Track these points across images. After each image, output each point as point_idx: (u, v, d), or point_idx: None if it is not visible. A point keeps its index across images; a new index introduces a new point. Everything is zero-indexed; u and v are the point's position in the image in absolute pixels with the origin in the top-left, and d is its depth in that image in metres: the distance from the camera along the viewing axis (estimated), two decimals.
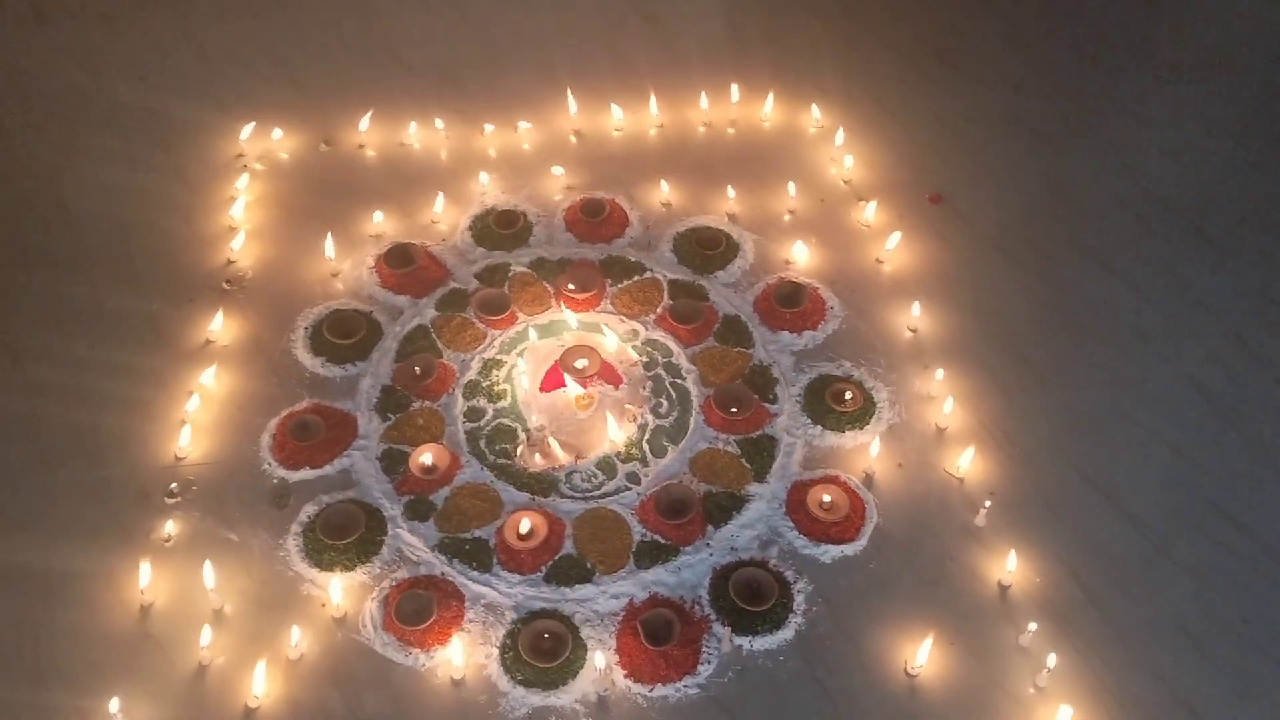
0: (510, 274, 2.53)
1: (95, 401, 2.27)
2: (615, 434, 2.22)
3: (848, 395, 2.28)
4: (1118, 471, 2.23)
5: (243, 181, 2.71)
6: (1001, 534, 2.11)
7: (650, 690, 1.89)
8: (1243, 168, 2.91)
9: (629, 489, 2.16)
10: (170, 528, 2.07)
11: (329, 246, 2.54)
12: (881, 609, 2.01)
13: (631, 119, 2.91)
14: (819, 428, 2.27)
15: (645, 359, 2.38)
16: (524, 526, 2.06)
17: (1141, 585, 2.07)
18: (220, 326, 2.39)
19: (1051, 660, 1.91)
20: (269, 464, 2.19)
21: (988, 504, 2.12)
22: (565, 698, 1.88)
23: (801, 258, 2.58)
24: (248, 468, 2.18)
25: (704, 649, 1.94)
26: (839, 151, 2.83)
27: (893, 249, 2.59)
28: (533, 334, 2.40)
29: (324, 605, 1.99)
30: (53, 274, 2.51)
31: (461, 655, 1.91)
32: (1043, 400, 2.35)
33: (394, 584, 2.01)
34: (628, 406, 2.29)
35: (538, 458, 2.20)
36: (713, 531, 2.10)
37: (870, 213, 2.67)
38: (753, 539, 2.10)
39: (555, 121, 2.90)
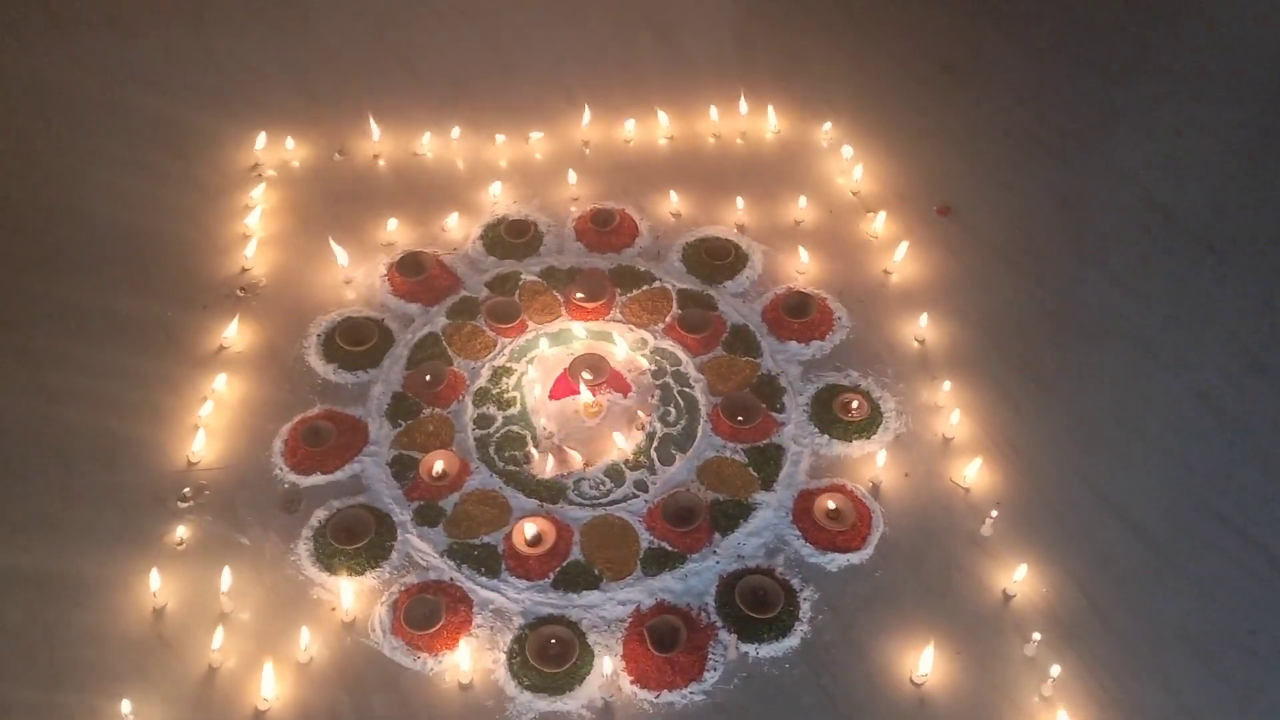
0: (520, 283, 2.55)
1: (110, 406, 2.29)
2: (622, 442, 2.24)
3: (855, 405, 2.30)
4: (1124, 483, 2.24)
5: (257, 190, 2.74)
6: (1008, 544, 2.12)
7: (656, 696, 1.90)
8: (1250, 181, 2.92)
9: (636, 496, 2.18)
10: (183, 531, 2.09)
11: (339, 254, 2.56)
12: (887, 618, 2.02)
13: (642, 130, 2.93)
14: (826, 437, 2.28)
15: (654, 367, 2.40)
16: (529, 531, 2.08)
17: (1147, 596, 2.07)
18: (234, 333, 2.42)
19: (1055, 670, 1.92)
20: (281, 469, 2.21)
21: (994, 514, 2.13)
22: (572, 703, 1.89)
23: (807, 264, 2.59)
24: (260, 473, 2.20)
25: (710, 656, 1.95)
26: (848, 163, 2.85)
27: (900, 260, 2.61)
28: (542, 342, 2.42)
29: (334, 609, 2.01)
30: (68, 280, 2.53)
31: (469, 660, 1.92)
32: (1049, 411, 2.36)
33: (403, 589, 2.03)
34: (637, 414, 2.30)
35: (550, 463, 2.21)
36: (719, 539, 2.12)
37: (879, 224, 2.69)
38: (759, 547, 2.11)
39: (566, 132, 2.93)
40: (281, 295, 2.52)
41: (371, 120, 2.88)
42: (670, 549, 2.09)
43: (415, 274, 2.54)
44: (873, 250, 2.66)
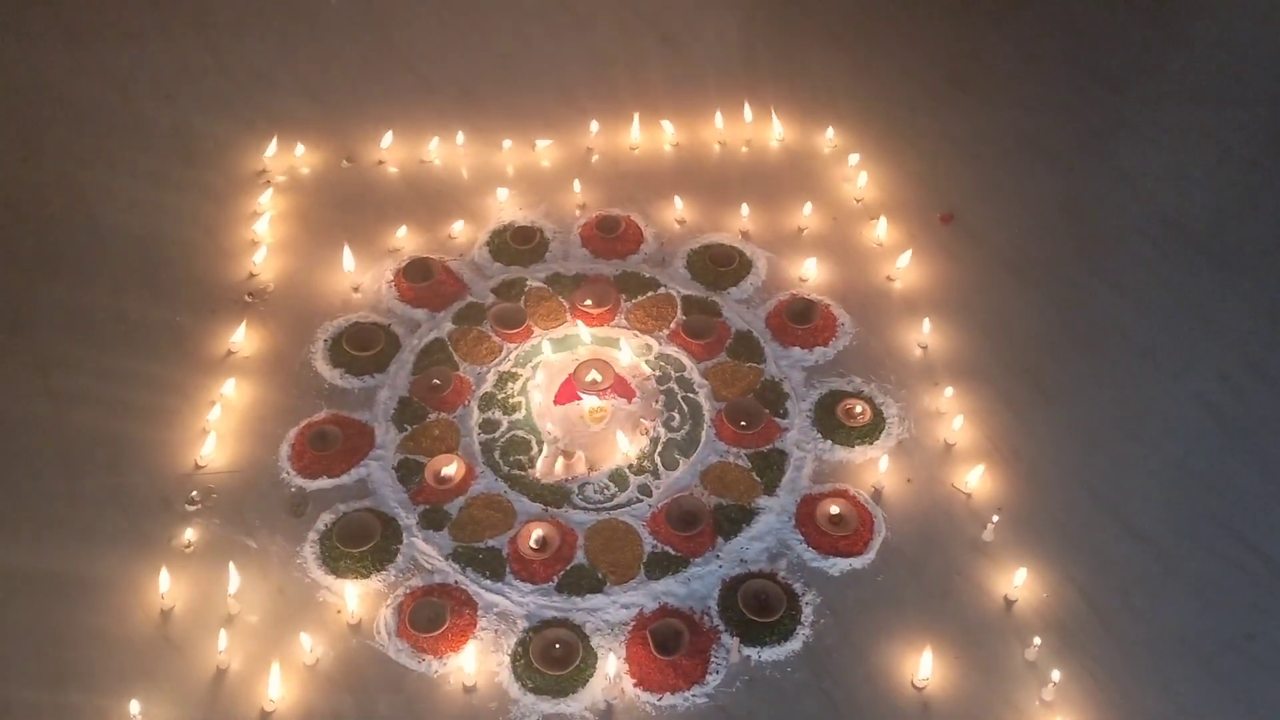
0: (526, 289, 2.57)
1: (119, 410, 2.31)
2: (626, 447, 2.26)
3: (858, 410, 2.31)
4: (1125, 488, 2.25)
5: (266, 197, 2.77)
6: (1009, 549, 2.13)
7: (659, 699, 1.92)
8: (1254, 190, 2.93)
9: (640, 501, 2.19)
10: (190, 534, 2.11)
11: (347, 260, 2.58)
12: (889, 622, 2.03)
13: (648, 137, 2.95)
14: (829, 442, 2.29)
15: (658, 373, 2.41)
16: (535, 536, 2.09)
17: (1148, 601, 2.08)
18: (242, 338, 2.44)
19: (1056, 675, 1.93)
20: (288, 473, 2.23)
21: (995, 519, 2.14)
22: (575, 705, 1.91)
23: (811, 270, 2.61)
24: (267, 476, 2.22)
25: (712, 659, 1.97)
26: (852, 170, 2.87)
27: (904, 267, 2.62)
28: (548, 348, 2.44)
29: (339, 612, 2.02)
30: (79, 285, 2.56)
31: (474, 662, 1.94)
32: (1051, 418, 2.37)
33: (408, 592, 2.04)
34: (641, 420, 2.32)
35: (558, 467, 2.23)
36: (722, 543, 2.13)
37: (882, 231, 2.71)
38: (762, 551, 2.12)
39: (573, 139, 2.95)
40: (289, 301, 2.55)
41: (390, 134, 2.90)
42: (673, 553, 2.11)
43: (422, 280, 2.56)
44: (876, 257, 2.68)
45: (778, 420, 2.33)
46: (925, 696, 1.94)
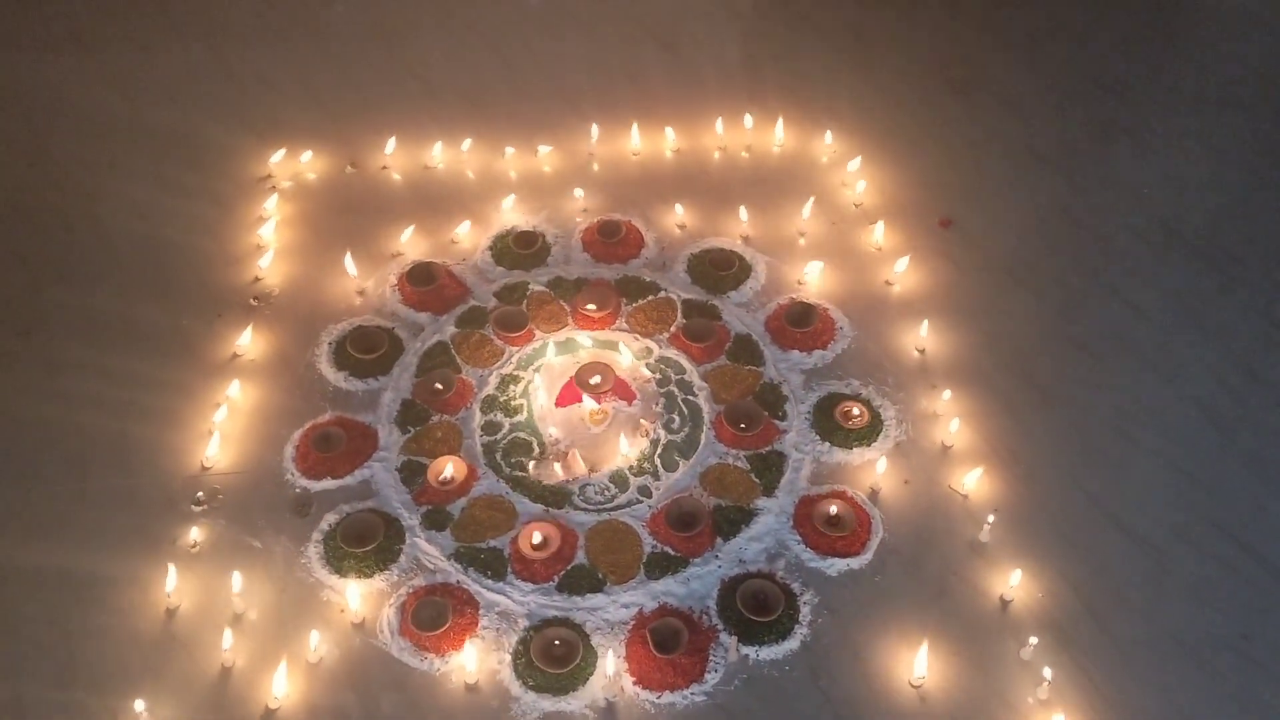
0: (528, 292, 2.60)
1: (126, 412, 2.35)
2: (627, 449, 2.28)
3: (856, 413, 2.33)
4: (1121, 490, 2.27)
5: (272, 202, 2.80)
6: (1005, 550, 2.15)
7: (658, 697, 1.94)
8: (1252, 195, 2.95)
9: (640, 502, 2.22)
10: (196, 534, 2.14)
11: (349, 264, 2.61)
12: (886, 621, 2.05)
13: (649, 143, 2.98)
14: (827, 444, 2.32)
15: (658, 376, 2.44)
16: (536, 538, 2.12)
17: (1143, 601, 2.10)
18: (247, 341, 2.47)
19: (1048, 673, 1.95)
20: (292, 474, 2.26)
21: (991, 519, 2.16)
22: (575, 703, 1.93)
23: (813, 276, 2.63)
24: (272, 477, 2.25)
25: (711, 658, 1.99)
26: (851, 176, 2.89)
27: (902, 271, 2.65)
28: (549, 350, 2.47)
29: (343, 611, 2.05)
30: (87, 289, 2.60)
31: (475, 661, 1.96)
32: (1048, 420, 2.39)
33: (411, 591, 2.07)
34: (641, 422, 2.34)
35: (557, 469, 2.25)
36: (721, 544, 2.15)
37: (880, 235, 2.73)
38: (760, 552, 2.15)
39: (574, 145, 2.98)
40: (294, 304, 2.58)
41: (394, 140, 2.94)
42: (673, 553, 2.13)
43: (425, 284, 2.59)
44: (875, 261, 2.70)
45: (777, 422, 2.36)
46: (921, 695, 1.96)
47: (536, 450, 2.29)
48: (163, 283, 2.61)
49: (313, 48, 3.31)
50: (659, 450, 2.31)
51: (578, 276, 2.65)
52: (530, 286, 2.62)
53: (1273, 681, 2.00)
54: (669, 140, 2.99)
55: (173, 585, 2.04)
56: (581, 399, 2.36)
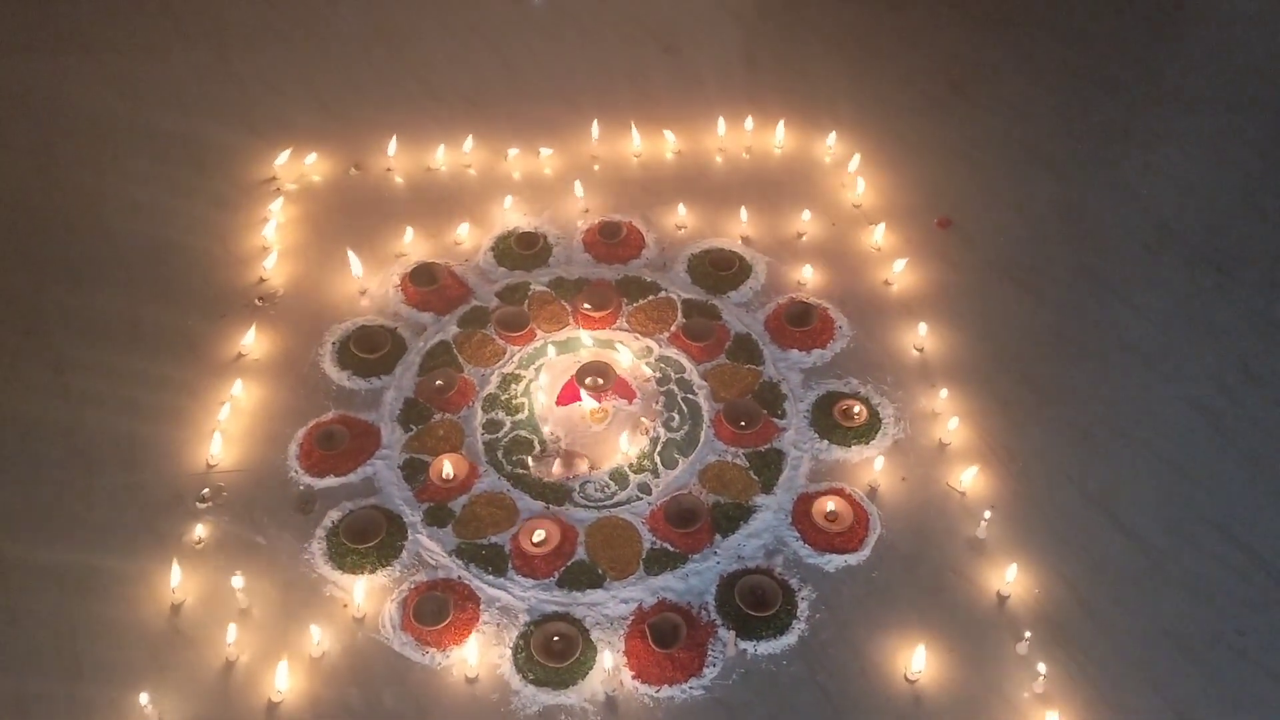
0: (530, 293, 2.63)
1: (132, 411, 2.37)
2: (627, 447, 2.30)
3: (855, 411, 2.35)
4: (1117, 488, 2.29)
5: (276, 204, 2.83)
6: (1002, 547, 2.17)
7: (657, 691, 1.96)
8: (1250, 197, 2.96)
9: (640, 499, 2.24)
10: (201, 530, 2.17)
11: (354, 265, 2.64)
12: (882, 617, 2.07)
13: (650, 145, 3.01)
14: (825, 442, 2.34)
15: (658, 375, 2.46)
16: (538, 536, 2.14)
17: (1139, 598, 2.12)
18: (252, 341, 2.50)
19: (1042, 668, 1.96)
20: (296, 471, 2.28)
21: (987, 515, 2.18)
22: (575, 697, 1.95)
23: (810, 274, 2.65)
24: (276, 475, 2.28)
25: (710, 652, 2.01)
26: (850, 177, 2.91)
27: (901, 271, 2.67)
28: (550, 350, 2.49)
29: (345, 606, 2.07)
30: (93, 290, 2.63)
31: (476, 655, 1.99)
32: (1045, 418, 2.41)
33: (413, 586, 2.09)
34: (641, 420, 2.37)
35: (557, 467, 2.27)
36: (720, 540, 2.17)
37: (880, 236, 2.75)
38: (759, 548, 2.17)
39: (576, 147, 3.01)
40: (298, 304, 2.61)
41: (394, 140, 2.97)
42: (672, 549, 2.15)
43: (428, 284, 2.62)
44: (874, 261, 2.72)
45: (776, 420, 2.37)
46: (918, 689, 1.97)
47: (537, 448, 2.32)
48: (168, 283, 2.64)
49: (317, 51, 3.35)
50: (659, 448, 2.33)
51: (579, 277, 2.67)
52: (532, 287, 2.64)
53: (1267, 677, 2.01)
54: (670, 142, 3.01)
55: (178, 580, 2.07)
56: (582, 398, 2.38)
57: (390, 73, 3.27)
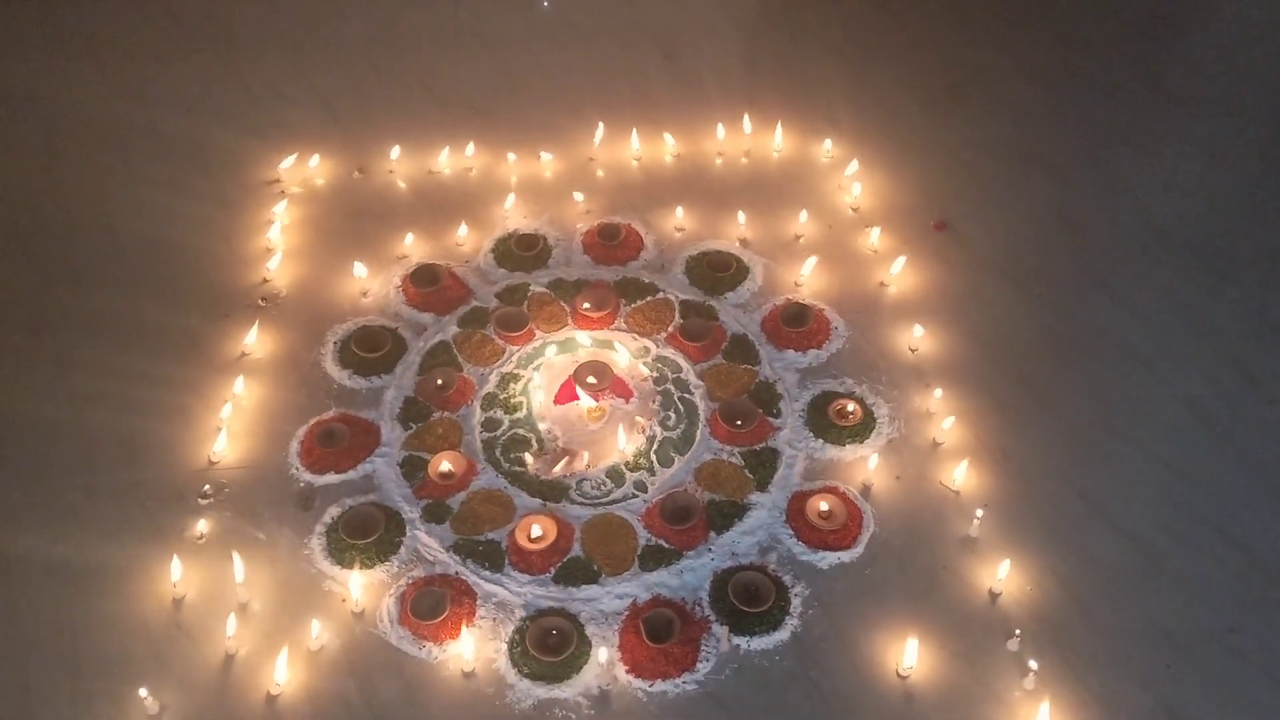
0: (529, 294, 2.65)
1: (135, 409, 2.40)
2: (624, 445, 2.32)
3: (849, 410, 2.37)
4: (1111, 487, 2.30)
5: (280, 206, 2.86)
6: (995, 545, 2.18)
7: (650, 685, 1.98)
8: (1246, 199, 2.98)
9: (636, 496, 2.26)
10: (202, 526, 2.20)
11: (358, 269, 2.67)
12: (875, 614, 2.08)
13: (649, 149, 3.03)
14: (820, 441, 2.35)
15: (655, 374, 2.48)
16: (535, 531, 2.16)
17: (1131, 596, 2.13)
18: (254, 340, 2.53)
19: (1034, 665, 1.98)
20: (296, 468, 2.31)
21: (979, 514, 2.19)
22: (569, 691, 1.97)
23: (807, 275, 2.68)
24: (277, 472, 2.31)
25: (703, 648, 2.03)
26: (848, 180, 2.94)
27: (897, 273, 2.69)
28: (549, 350, 2.52)
29: (344, 600, 2.10)
30: (98, 290, 2.66)
31: (472, 649, 2.01)
32: (1039, 418, 2.42)
33: (410, 582, 2.12)
34: (638, 419, 2.39)
35: (556, 465, 2.30)
36: (715, 537, 2.19)
37: (877, 238, 2.77)
38: (753, 545, 2.19)
39: (577, 151, 3.04)
40: (301, 305, 2.64)
41: (398, 147, 3.00)
42: (667, 546, 2.17)
43: (429, 285, 2.65)
44: (871, 263, 2.74)
45: (771, 420, 2.39)
46: (909, 685, 1.99)
47: (535, 446, 2.34)
48: (172, 284, 2.67)
49: (322, 57, 3.38)
50: (655, 446, 2.35)
51: (578, 278, 2.70)
52: (531, 288, 2.67)
53: (1259, 675, 2.02)
54: (669, 146, 3.04)
55: (178, 575, 2.09)
56: (579, 396, 2.40)
57: (394, 78, 3.31)
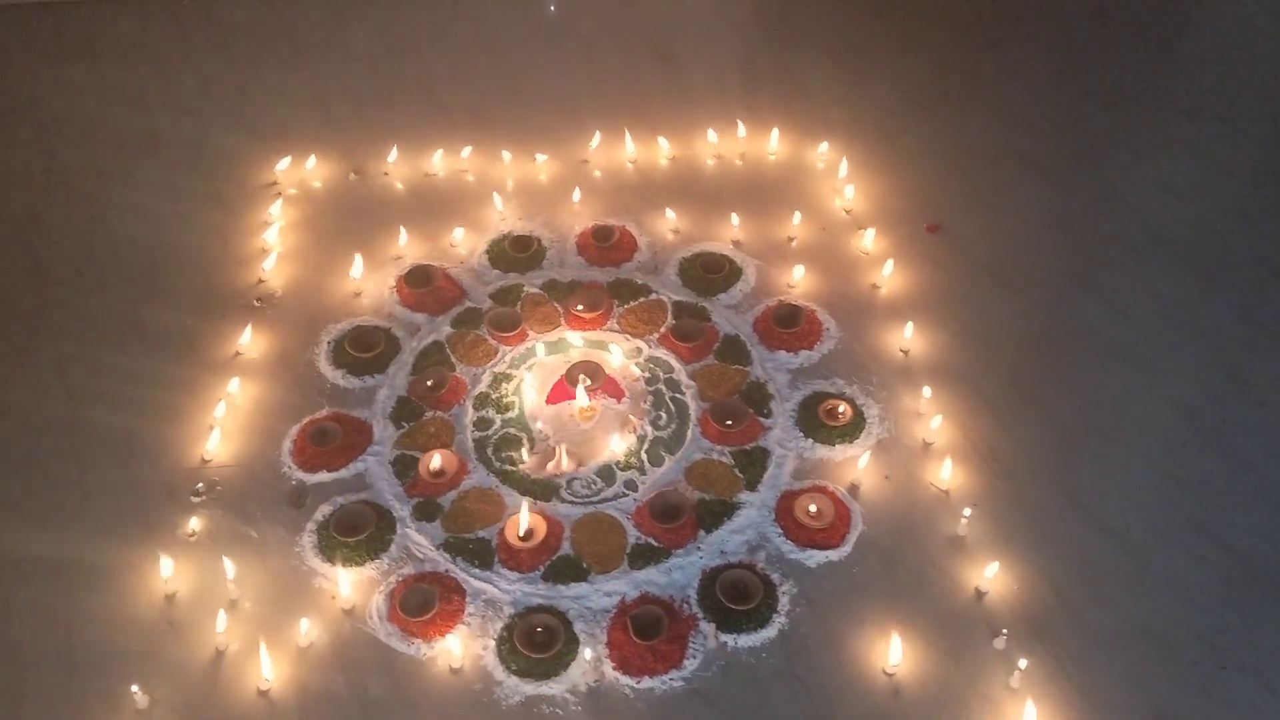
0: (523, 295, 2.67)
1: (130, 407, 2.42)
2: (616, 444, 2.34)
3: (840, 410, 2.38)
4: (1099, 488, 2.31)
5: (276, 207, 2.88)
6: (983, 544, 2.19)
7: (638, 682, 1.99)
8: (1238, 203, 2.99)
9: (626, 495, 2.27)
10: (195, 523, 2.21)
11: (357, 267, 2.69)
12: (862, 611, 2.09)
13: (644, 151, 3.05)
14: (810, 441, 2.36)
15: (647, 375, 2.49)
16: (524, 526, 2.17)
17: (1119, 595, 2.13)
18: (249, 340, 2.54)
19: (1023, 664, 1.98)
20: (289, 467, 2.32)
21: (967, 512, 2.20)
22: (557, 687, 1.98)
23: (799, 277, 2.69)
24: (269, 470, 2.32)
25: (690, 645, 2.03)
26: (841, 182, 2.95)
27: (889, 275, 2.70)
28: (541, 350, 2.53)
29: (334, 597, 2.11)
30: (95, 290, 2.68)
31: (460, 646, 2.02)
32: (1028, 419, 2.43)
33: (400, 579, 2.13)
34: (629, 419, 2.40)
35: (550, 466, 2.31)
36: (704, 536, 2.20)
37: (869, 240, 2.78)
38: (742, 544, 2.19)
39: (571, 152, 3.06)
40: (295, 305, 2.65)
41: (395, 149, 3.02)
42: (656, 544, 2.18)
43: (423, 285, 2.67)
44: (863, 265, 2.75)
45: (762, 420, 2.41)
46: (895, 683, 2.00)
47: (526, 445, 2.35)
48: (168, 284, 2.69)
49: (320, 60, 3.41)
50: (646, 446, 2.36)
51: (571, 279, 2.71)
52: (525, 289, 2.68)
53: (1246, 675, 2.02)
54: (664, 149, 3.05)
55: (169, 572, 2.11)
56: (572, 396, 2.41)
57: (391, 81, 3.33)
